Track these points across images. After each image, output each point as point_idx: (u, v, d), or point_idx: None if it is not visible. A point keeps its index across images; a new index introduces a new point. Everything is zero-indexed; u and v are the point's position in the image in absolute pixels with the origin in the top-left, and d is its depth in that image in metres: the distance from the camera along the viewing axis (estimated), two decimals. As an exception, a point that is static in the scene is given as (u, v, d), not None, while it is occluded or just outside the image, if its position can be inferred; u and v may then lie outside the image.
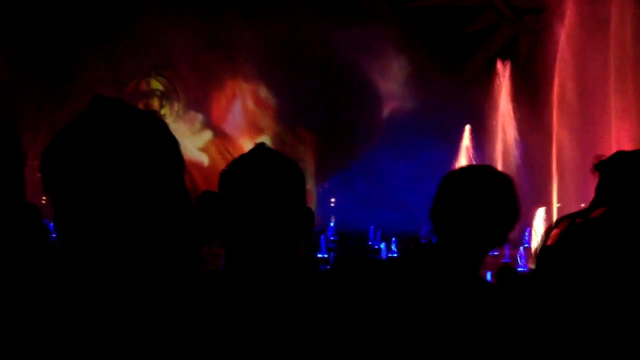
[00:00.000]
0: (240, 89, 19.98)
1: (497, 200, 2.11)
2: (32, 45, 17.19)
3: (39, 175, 1.30)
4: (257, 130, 19.04)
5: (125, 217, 1.23)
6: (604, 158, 2.14)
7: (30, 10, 17.04)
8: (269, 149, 1.75)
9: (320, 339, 1.51)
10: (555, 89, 17.46)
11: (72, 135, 1.27)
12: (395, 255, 14.46)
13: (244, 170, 1.71)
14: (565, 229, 1.63)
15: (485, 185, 2.13)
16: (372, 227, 16.51)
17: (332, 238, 16.27)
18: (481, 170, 2.22)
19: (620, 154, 2.15)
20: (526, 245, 13.84)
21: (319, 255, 13.53)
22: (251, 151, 1.75)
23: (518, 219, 2.14)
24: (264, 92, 19.98)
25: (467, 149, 18.26)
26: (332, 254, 13.97)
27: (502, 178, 2.17)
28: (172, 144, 1.32)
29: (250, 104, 20.01)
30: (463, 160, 17.76)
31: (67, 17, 17.54)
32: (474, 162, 17.06)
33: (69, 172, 1.24)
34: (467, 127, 18.27)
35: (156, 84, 20.79)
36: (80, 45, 17.82)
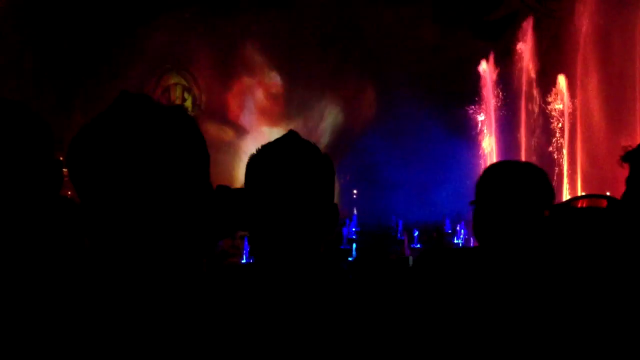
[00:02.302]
0: (254, 82, 20.07)
1: (534, 191, 2.15)
2: (43, 50, 17.35)
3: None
4: (273, 122, 19.10)
5: (150, 210, 1.24)
6: (630, 149, 2.11)
7: (39, 14, 17.18)
8: (299, 137, 1.67)
9: (339, 340, 1.49)
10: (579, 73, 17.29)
11: (100, 127, 1.27)
12: (418, 246, 14.45)
13: (273, 157, 1.62)
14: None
15: (519, 178, 2.16)
16: (393, 218, 16.50)
17: (354, 229, 16.27)
18: (513, 166, 2.25)
19: None
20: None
21: (341, 247, 13.54)
22: (281, 138, 1.66)
23: (551, 205, 2.18)
24: (279, 85, 20.08)
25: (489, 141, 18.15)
26: (354, 245, 13.97)
27: (534, 170, 2.20)
28: (199, 138, 1.31)
29: (264, 96, 20.11)
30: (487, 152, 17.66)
31: (78, 18, 17.67)
32: (494, 153, 16.99)
33: (96, 163, 1.24)
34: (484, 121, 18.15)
35: (177, 79, 20.96)
36: (95, 46, 17.98)
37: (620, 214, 1.67)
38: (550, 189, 2.19)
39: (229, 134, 19.62)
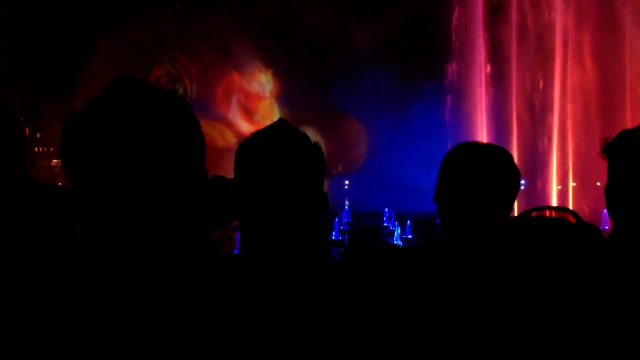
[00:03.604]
0: (243, 77, 20.03)
1: (498, 174, 2.14)
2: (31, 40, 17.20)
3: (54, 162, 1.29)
4: (261, 116, 19.07)
5: (145, 196, 1.22)
6: (609, 140, 2.10)
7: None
8: (289, 125, 1.64)
9: (330, 330, 1.49)
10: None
11: (93, 112, 1.24)
12: (410, 237, 14.46)
13: (263, 145, 1.59)
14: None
15: (484, 161, 2.14)
16: (386, 211, 16.51)
17: (345, 220, 16.28)
18: (477, 147, 2.22)
19: (625, 133, 2.09)
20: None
21: (333, 238, 13.54)
22: (271, 126, 1.63)
23: (518, 189, 2.17)
24: (266, 79, 20.03)
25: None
26: (346, 235, 13.98)
27: (500, 152, 2.19)
28: (194, 124, 1.30)
29: (252, 89, 20.07)
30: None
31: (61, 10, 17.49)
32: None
33: (89, 149, 1.22)
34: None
35: (168, 68, 20.84)
36: (83, 38, 17.85)
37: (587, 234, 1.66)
38: (516, 171, 2.17)
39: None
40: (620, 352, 1.63)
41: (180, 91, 20.51)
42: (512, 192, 2.18)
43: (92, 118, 1.24)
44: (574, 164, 17.50)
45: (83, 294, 1.21)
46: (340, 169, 19.15)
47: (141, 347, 1.20)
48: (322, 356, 1.46)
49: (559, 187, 17.22)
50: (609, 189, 2.03)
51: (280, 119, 1.67)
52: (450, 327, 1.88)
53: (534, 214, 1.69)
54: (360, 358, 1.48)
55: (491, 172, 2.14)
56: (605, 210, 2.08)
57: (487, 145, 2.26)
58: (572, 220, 1.68)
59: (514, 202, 2.19)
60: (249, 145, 1.62)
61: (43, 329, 1.18)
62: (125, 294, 1.22)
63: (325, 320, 1.49)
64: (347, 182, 19.38)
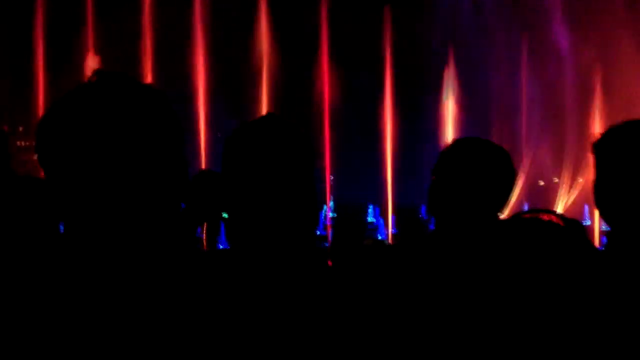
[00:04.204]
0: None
1: (494, 171, 2.14)
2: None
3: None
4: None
5: (124, 189, 1.20)
6: (597, 137, 2.09)
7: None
8: (279, 117, 1.60)
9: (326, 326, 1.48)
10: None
11: (70, 104, 1.22)
12: (394, 232, 14.49)
13: (252, 139, 1.55)
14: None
15: (480, 158, 2.15)
16: (370, 206, 16.52)
17: (330, 215, 16.28)
18: (474, 143, 2.22)
19: (613, 130, 2.08)
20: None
21: (317, 233, 13.52)
22: (260, 119, 1.60)
23: (512, 188, 2.18)
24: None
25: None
26: (330, 231, 13.98)
27: (495, 149, 2.19)
28: (173, 117, 1.28)
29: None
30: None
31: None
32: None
33: (65, 143, 1.20)
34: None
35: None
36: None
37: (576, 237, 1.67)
38: (512, 169, 2.18)
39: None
40: (605, 350, 1.64)
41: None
42: (507, 190, 2.18)
43: (68, 110, 1.22)
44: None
45: (65, 292, 1.19)
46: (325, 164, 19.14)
47: (126, 346, 1.19)
48: (314, 354, 1.45)
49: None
50: (598, 187, 2.02)
51: (269, 113, 1.64)
52: (440, 326, 1.89)
53: (527, 216, 1.69)
54: (352, 356, 1.47)
55: (487, 170, 2.14)
56: (585, 205, 2.08)
57: (485, 142, 2.25)
58: (558, 221, 1.68)
59: (507, 200, 2.19)
60: (238, 138, 1.58)
61: (25, 326, 1.17)
62: (108, 291, 1.20)
63: (316, 318, 1.48)
64: (332, 177, 19.38)
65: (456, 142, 2.25)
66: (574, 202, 15.70)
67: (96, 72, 1.27)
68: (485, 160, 2.16)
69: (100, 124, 1.20)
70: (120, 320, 1.19)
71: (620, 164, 1.96)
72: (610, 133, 2.03)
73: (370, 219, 16.35)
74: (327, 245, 11.30)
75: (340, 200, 17.28)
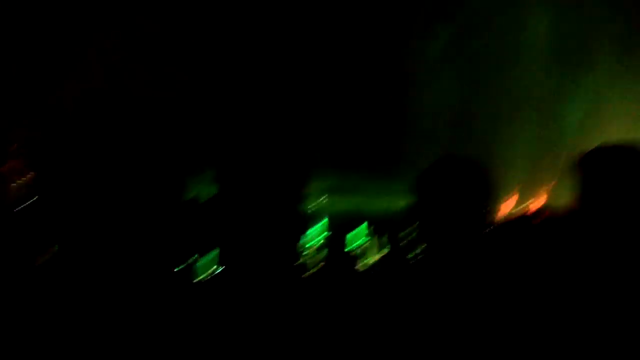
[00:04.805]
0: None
1: (470, 188, 2.19)
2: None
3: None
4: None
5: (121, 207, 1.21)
6: (584, 153, 2.10)
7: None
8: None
9: None
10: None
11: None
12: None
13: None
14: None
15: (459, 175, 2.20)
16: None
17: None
18: (450, 162, 2.27)
19: (600, 150, 2.11)
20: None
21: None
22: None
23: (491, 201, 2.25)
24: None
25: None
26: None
27: (475, 168, 2.23)
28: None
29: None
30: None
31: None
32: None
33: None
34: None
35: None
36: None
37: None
38: (488, 187, 2.19)
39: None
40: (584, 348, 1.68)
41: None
42: (483, 205, 2.21)
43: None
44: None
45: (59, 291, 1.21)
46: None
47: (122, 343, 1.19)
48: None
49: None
50: (584, 201, 2.05)
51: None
52: (438, 328, 1.92)
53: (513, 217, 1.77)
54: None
55: (469, 187, 2.16)
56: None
57: (468, 159, 2.27)
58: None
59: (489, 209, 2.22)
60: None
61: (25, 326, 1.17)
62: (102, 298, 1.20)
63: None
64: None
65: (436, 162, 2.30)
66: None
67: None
68: (466, 176, 2.19)
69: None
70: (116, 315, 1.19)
71: (607, 180, 2.00)
72: (599, 150, 2.07)
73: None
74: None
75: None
